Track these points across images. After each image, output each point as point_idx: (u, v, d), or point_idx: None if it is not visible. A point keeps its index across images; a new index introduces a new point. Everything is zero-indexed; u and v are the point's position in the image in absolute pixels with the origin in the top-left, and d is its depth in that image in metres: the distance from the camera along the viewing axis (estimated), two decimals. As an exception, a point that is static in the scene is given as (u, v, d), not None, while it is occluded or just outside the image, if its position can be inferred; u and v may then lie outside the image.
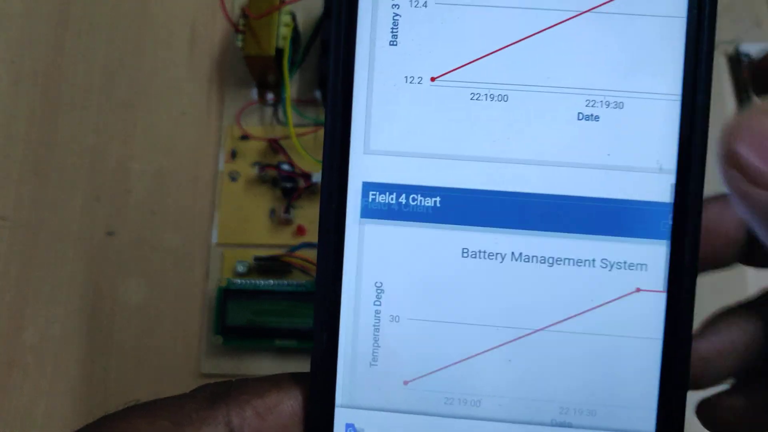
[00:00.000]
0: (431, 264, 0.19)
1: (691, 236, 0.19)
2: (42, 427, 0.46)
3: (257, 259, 0.47)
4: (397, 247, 0.19)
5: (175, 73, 0.54)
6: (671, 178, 0.19)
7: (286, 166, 0.48)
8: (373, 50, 0.18)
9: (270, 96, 0.52)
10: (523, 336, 0.19)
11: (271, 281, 0.47)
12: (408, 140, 0.19)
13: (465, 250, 0.19)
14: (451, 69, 0.18)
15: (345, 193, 0.19)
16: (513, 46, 0.18)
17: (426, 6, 0.18)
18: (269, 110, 0.53)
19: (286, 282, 0.47)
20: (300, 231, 0.49)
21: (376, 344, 0.19)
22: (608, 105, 0.18)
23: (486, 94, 0.18)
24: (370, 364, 0.19)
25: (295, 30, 0.51)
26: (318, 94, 0.51)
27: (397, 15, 0.18)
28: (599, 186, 0.18)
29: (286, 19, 0.50)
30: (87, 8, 0.57)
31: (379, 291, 0.19)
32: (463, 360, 0.19)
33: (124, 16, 0.56)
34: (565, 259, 0.19)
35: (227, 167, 0.51)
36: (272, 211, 0.50)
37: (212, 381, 0.44)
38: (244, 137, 0.52)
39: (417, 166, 0.19)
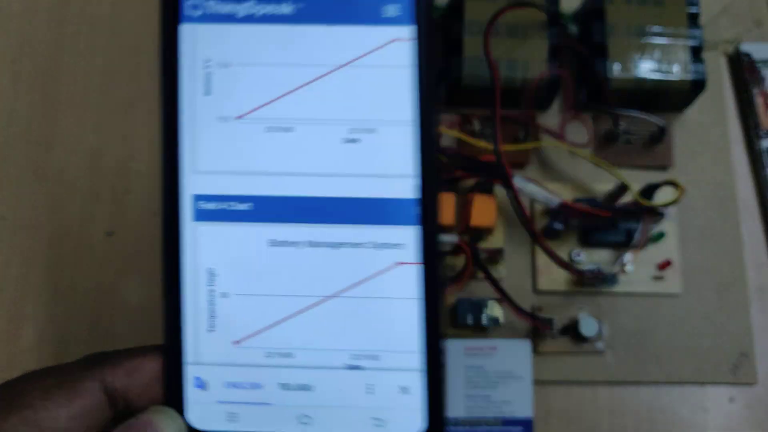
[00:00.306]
0: (249, 252, 0.26)
1: (433, 220, 0.25)
2: (42, 427, 0.46)
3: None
4: (223, 241, 0.26)
5: (176, 73, 0.54)
6: (415, 180, 0.25)
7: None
8: (193, 99, 0.25)
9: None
10: (319, 302, 0.25)
11: (272, 281, 0.47)
12: (224, 162, 0.25)
13: (272, 241, 0.26)
14: (251, 110, 0.25)
15: (180, 203, 0.25)
16: (294, 91, 0.25)
17: (229, 66, 0.25)
18: (269, 110, 0.53)
19: (286, 282, 0.46)
20: (300, 231, 0.49)
21: (211, 315, 0.26)
22: (365, 131, 0.25)
23: (277, 127, 0.25)
24: (208, 330, 0.26)
25: (296, 30, 0.51)
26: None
27: (209, 73, 0.25)
28: (364, 189, 0.25)
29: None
30: (86, 8, 0.56)
31: (211, 275, 0.26)
32: (277, 323, 0.25)
33: (124, 15, 0.56)
34: (344, 243, 0.25)
35: (227, 167, 0.51)
36: (273, 211, 0.50)
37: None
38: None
39: (233, 180, 0.25)
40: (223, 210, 0.25)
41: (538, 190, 0.46)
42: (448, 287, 0.47)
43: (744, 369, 0.47)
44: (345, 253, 0.25)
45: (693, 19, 0.50)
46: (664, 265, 0.48)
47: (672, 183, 0.47)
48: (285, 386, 0.26)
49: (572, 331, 0.47)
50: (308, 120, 0.25)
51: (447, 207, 0.47)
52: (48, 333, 0.48)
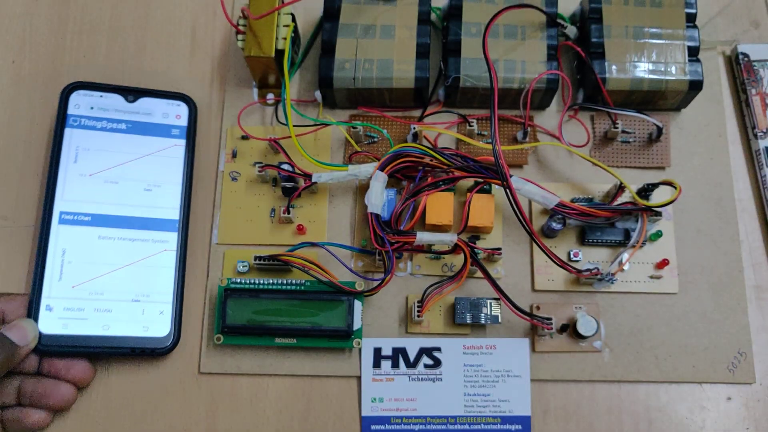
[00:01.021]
0: (86, 241, 0.48)
1: (185, 230, 0.49)
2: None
3: (257, 258, 0.47)
4: (72, 235, 0.48)
5: (176, 74, 0.54)
6: (177, 210, 0.49)
7: (286, 166, 0.48)
8: (67, 164, 0.49)
9: (270, 96, 0.53)
10: (121, 268, 0.48)
11: (271, 280, 0.47)
12: (79, 195, 0.48)
13: (100, 236, 0.48)
14: (97, 171, 0.49)
15: (52, 213, 0.48)
16: (121, 165, 0.49)
17: (89, 150, 0.50)
18: (269, 110, 0.53)
19: (285, 281, 0.47)
20: (300, 230, 0.49)
21: (61, 272, 0.47)
22: (156, 186, 0.50)
23: (109, 181, 0.49)
24: (59, 279, 0.47)
25: (295, 31, 0.51)
26: (318, 94, 0.52)
27: (77, 153, 0.49)
28: (152, 213, 0.49)
29: (285, 19, 0.50)
30: (87, 9, 0.57)
31: (63, 251, 0.47)
32: (97, 277, 0.47)
33: (125, 16, 0.56)
34: (137, 239, 0.48)
35: (228, 167, 0.52)
36: (272, 211, 0.50)
37: (212, 380, 0.44)
38: (245, 137, 0.52)
39: (82, 205, 0.48)
40: (75, 219, 0.48)
41: (536, 190, 0.47)
42: (446, 286, 0.47)
43: (742, 368, 0.47)
44: (138, 244, 0.48)
45: (690, 20, 0.50)
46: (662, 265, 0.48)
47: (669, 183, 0.47)
48: (97, 309, 0.47)
49: (570, 329, 0.47)
50: (126, 179, 0.49)
51: (445, 207, 0.48)
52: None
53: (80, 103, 0.50)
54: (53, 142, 0.49)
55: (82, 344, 0.46)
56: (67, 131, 0.50)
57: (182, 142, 0.50)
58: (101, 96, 0.51)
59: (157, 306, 0.47)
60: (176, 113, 0.51)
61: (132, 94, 0.51)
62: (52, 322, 0.46)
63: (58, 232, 0.47)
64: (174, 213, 0.49)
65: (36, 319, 0.45)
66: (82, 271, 0.47)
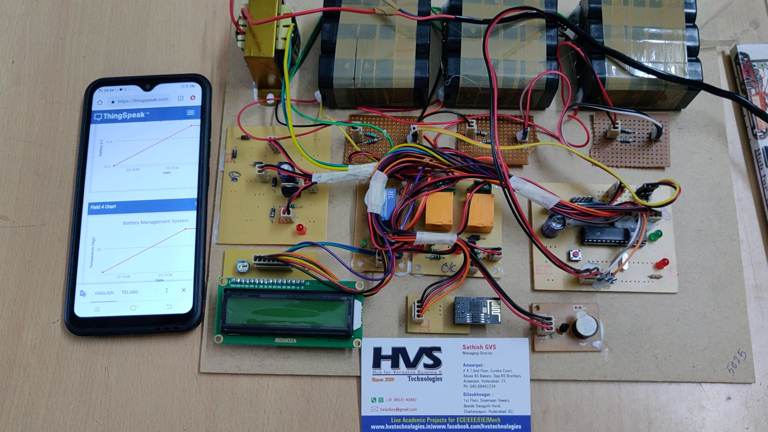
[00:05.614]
0: (113, 228, 0.50)
1: (203, 208, 0.50)
2: (43, 426, 0.47)
3: (257, 258, 0.47)
4: (100, 223, 0.50)
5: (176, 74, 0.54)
6: (195, 190, 0.51)
7: (286, 166, 0.48)
8: (93, 157, 0.52)
9: (270, 96, 0.53)
10: (144, 250, 0.50)
11: (271, 280, 0.47)
12: (104, 185, 0.51)
13: (125, 221, 0.50)
14: (120, 161, 0.51)
15: (82, 205, 0.51)
16: (141, 152, 0.52)
17: (111, 142, 0.52)
18: (269, 110, 0.53)
19: (285, 281, 0.47)
20: (300, 230, 0.49)
21: (91, 258, 0.50)
22: (174, 167, 0.51)
23: (131, 168, 0.51)
24: (89, 267, 0.49)
25: (295, 31, 0.51)
26: (318, 94, 0.52)
27: (101, 145, 0.52)
28: (172, 194, 0.51)
29: (285, 20, 0.50)
30: (87, 9, 0.57)
31: (93, 240, 0.50)
32: (124, 261, 0.49)
33: (125, 16, 0.56)
34: (159, 221, 0.50)
35: (228, 167, 0.52)
36: (272, 211, 0.50)
37: (212, 380, 0.45)
38: (245, 137, 0.52)
39: (107, 194, 0.51)
40: (102, 209, 0.51)
41: (535, 190, 0.47)
42: (446, 286, 0.47)
43: (741, 367, 0.47)
44: (160, 225, 0.50)
45: (690, 20, 0.50)
46: (661, 264, 0.48)
47: (669, 183, 0.47)
48: (125, 291, 0.49)
49: (570, 329, 0.47)
50: (146, 165, 0.51)
51: (445, 207, 0.48)
52: (49, 333, 0.49)
53: (102, 99, 0.53)
54: (80, 140, 0.52)
55: (112, 325, 0.48)
56: (92, 127, 0.52)
57: (197, 121, 0.52)
58: (120, 89, 0.53)
59: (180, 284, 0.49)
60: (190, 94, 0.53)
61: (149, 82, 0.53)
62: (86, 306, 0.48)
63: (87, 223, 0.50)
64: (192, 192, 0.51)
65: (72, 305, 0.48)
66: (110, 257, 0.49)
